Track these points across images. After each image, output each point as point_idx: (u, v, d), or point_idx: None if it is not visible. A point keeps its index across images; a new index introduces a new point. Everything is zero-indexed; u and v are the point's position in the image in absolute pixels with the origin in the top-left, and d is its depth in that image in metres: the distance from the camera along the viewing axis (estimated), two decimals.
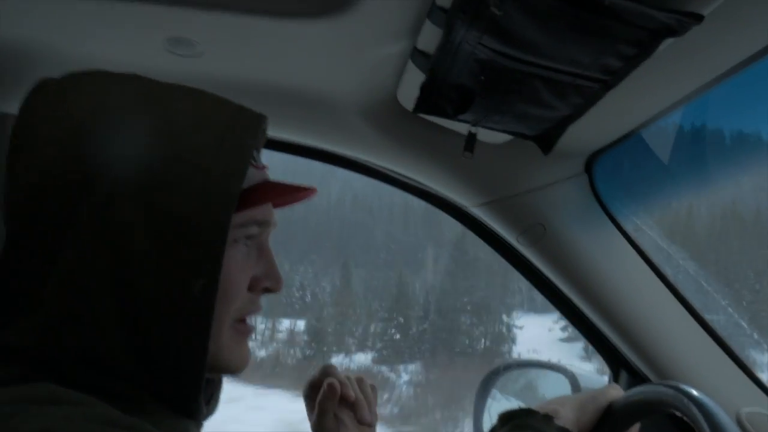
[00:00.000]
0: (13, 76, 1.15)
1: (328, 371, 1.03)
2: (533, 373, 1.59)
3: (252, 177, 0.74)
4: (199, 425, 0.75)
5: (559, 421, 0.90)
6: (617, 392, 0.99)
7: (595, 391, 1.00)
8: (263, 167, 0.79)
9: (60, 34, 1.07)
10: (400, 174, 1.42)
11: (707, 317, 1.41)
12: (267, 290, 0.78)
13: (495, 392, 1.53)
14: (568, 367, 1.41)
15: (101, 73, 0.72)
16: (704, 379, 1.34)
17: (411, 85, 1.09)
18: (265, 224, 0.77)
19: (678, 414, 0.84)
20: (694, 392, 0.83)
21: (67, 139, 0.65)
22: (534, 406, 0.95)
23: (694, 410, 0.80)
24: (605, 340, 1.47)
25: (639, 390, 0.94)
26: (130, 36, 1.07)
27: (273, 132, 1.33)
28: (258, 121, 0.73)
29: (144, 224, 0.64)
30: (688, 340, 1.39)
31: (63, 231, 0.64)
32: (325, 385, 1.00)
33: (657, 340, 1.39)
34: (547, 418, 0.88)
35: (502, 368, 1.52)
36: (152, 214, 0.64)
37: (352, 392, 1.01)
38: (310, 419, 1.02)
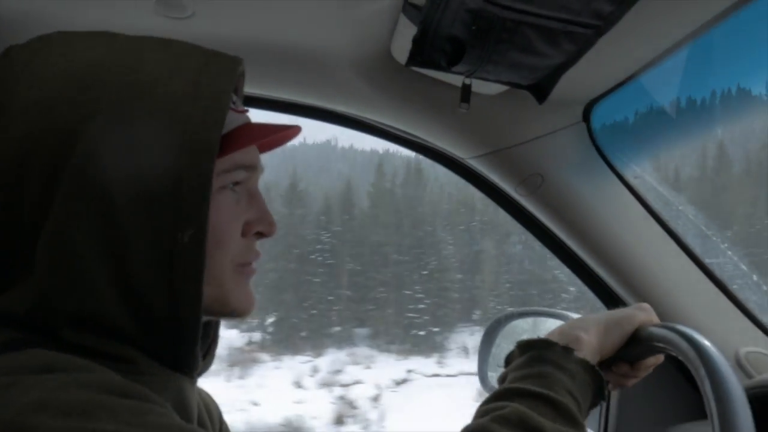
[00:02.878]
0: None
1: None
2: (535, 321, 1.60)
3: (232, 121, 0.73)
4: (194, 382, 0.76)
5: (581, 351, 0.84)
6: (646, 315, 0.92)
7: (623, 312, 0.92)
8: (244, 111, 0.78)
9: None
10: (395, 128, 1.42)
11: (707, 261, 1.41)
12: (260, 234, 0.78)
13: (499, 341, 1.55)
14: (568, 313, 1.43)
15: (69, 33, 0.71)
16: (703, 321, 1.36)
17: (404, 38, 1.08)
18: (251, 168, 0.76)
19: (675, 354, 0.84)
20: (694, 335, 0.82)
21: (42, 101, 0.65)
22: (558, 328, 0.90)
23: (691, 351, 0.80)
24: (605, 286, 1.48)
25: (662, 325, 0.89)
26: None
27: (267, 91, 1.34)
28: (233, 63, 0.72)
29: (126, 179, 0.64)
30: (687, 284, 1.40)
31: (48, 193, 0.64)
32: None
33: (657, 284, 1.40)
34: (567, 350, 0.83)
35: (504, 318, 1.54)
36: (133, 167, 0.64)
37: None
38: None
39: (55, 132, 0.64)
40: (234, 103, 0.76)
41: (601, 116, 1.37)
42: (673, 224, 1.41)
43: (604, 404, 1.24)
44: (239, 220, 0.75)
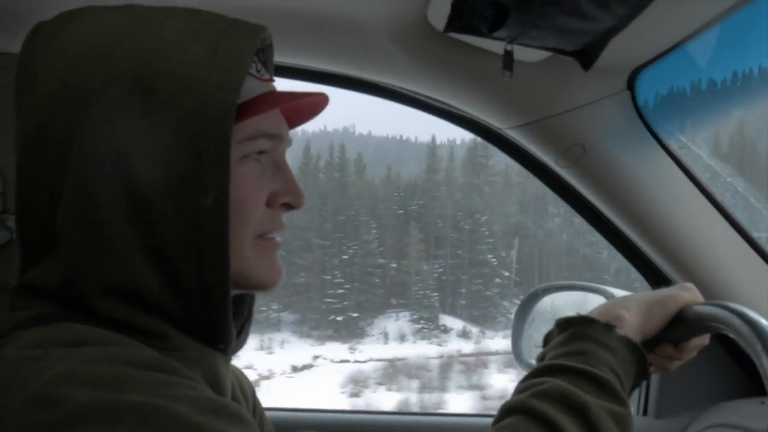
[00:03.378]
0: (14, 16, 1.12)
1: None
2: (573, 295, 1.57)
3: (255, 88, 0.73)
4: (228, 359, 0.76)
5: (622, 330, 0.82)
6: (690, 295, 0.89)
7: (667, 291, 0.89)
8: (269, 80, 0.78)
9: None
10: (431, 98, 1.38)
11: (755, 234, 1.37)
12: (288, 206, 0.77)
13: (534, 316, 1.52)
14: (609, 288, 1.39)
15: (92, 7, 0.72)
16: (752, 297, 1.32)
17: (442, 3, 1.04)
18: (276, 138, 0.76)
19: (727, 332, 0.81)
20: (748, 312, 0.79)
21: (64, 70, 0.66)
22: (599, 307, 0.87)
23: (744, 327, 0.77)
24: (648, 260, 1.44)
25: (709, 303, 0.86)
26: None
27: (299, 60, 1.31)
28: (254, 29, 0.71)
29: (144, 143, 0.64)
30: (734, 258, 1.36)
31: (64, 159, 0.65)
32: None
33: (703, 259, 1.36)
34: (608, 327, 0.81)
35: (541, 291, 1.51)
36: (151, 131, 0.64)
37: None
38: None
39: (73, 100, 0.65)
40: (259, 71, 0.75)
41: (646, 85, 1.31)
42: (720, 197, 1.36)
43: (645, 382, 1.22)
44: (264, 190, 0.74)
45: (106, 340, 0.61)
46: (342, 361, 17.89)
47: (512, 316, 1.50)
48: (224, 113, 0.65)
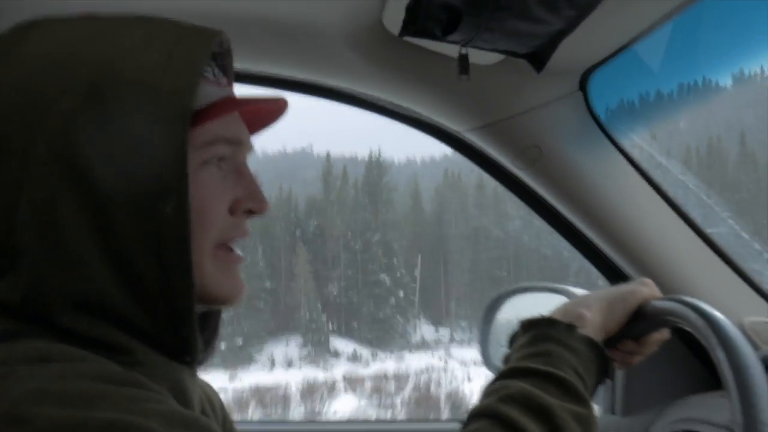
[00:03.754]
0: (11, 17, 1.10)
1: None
2: (537, 296, 1.59)
3: (212, 93, 0.73)
4: (194, 372, 0.75)
5: (584, 329, 0.83)
6: (649, 290, 0.90)
7: (625, 287, 0.91)
8: (227, 84, 0.78)
9: None
10: (388, 102, 1.39)
11: (708, 230, 1.40)
12: (251, 212, 0.77)
13: (500, 318, 1.54)
14: (572, 288, 1.41)
15: (49, 18, 0.72)
16: (706, 291, 1.34)
17: (396, 7, 1.05)
18: (236, 143, 0.75)
19: (683, 326, 0.82)
20: (703, 306, 0.80)
21: (22, 80, 0.66)
22: (561, 307, 0.88)
23: (700, 321, 0.78)
24: (605, 258, 1.46)
25: (666, 298, 0.87)
26: None
27: (254, 65, 1.30)
28: (209, 34, 0.71)
29: (102, 151, 0.64)
30: (688, 253, 1.39)
31: (24, 171, 0.64)
32: None
33: (658, 254, 1.38)
34: (570, 327, 0.82)
35: (506, 293, 1.52)
36: (108, 139, 0.64)
37: None
38: None
39: (31, 110, 0.64)
40: (216, 76, 0.75)
41: (597, 86, 1.34)
42: (673, 194, 1.39)
43: (610, 381, 1.24)
44: (226, 197, 0.74)
45: (71, 356, 0.60)
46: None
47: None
48: (180, 118, 0.65)
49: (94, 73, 0.65)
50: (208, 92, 0.72)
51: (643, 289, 0.90)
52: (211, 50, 0.71)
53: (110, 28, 0.69)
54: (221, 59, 0.78)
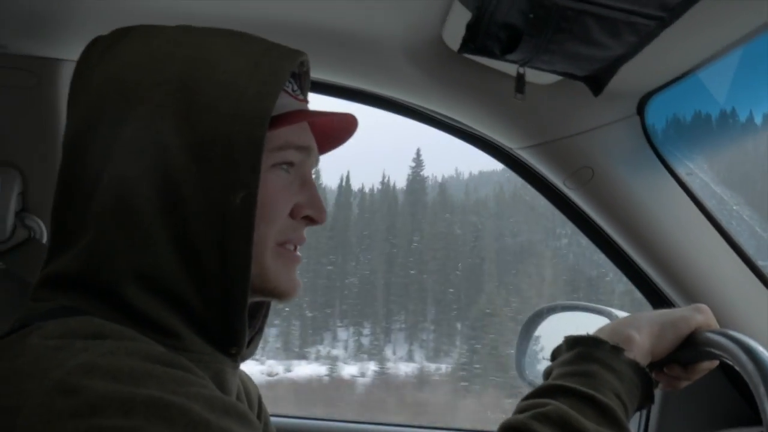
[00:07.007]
0: (41, 21, 1.17)
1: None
2: (578, 316, 1.57)
3: (289, 104, 0.78)
4: (235, 366, 0.77)
5: (631, 352, 0.81)
6: (704, 318, 0.87)
7: (678, 312, 0.88)
8: (304, 100, 0.83)
9: None
10: (444, 116, 1.40)
11: (760, 263, 1.37)
12: (309, 219, 0.80)
13: (538, 336, 1.53)
14: (614, 310, 1.40)
15: (146, 26, 0.77)
16: (756, 326, 1.32)
17: (457, 24, 1.06)
18: (305, 151, 0.79)
19: (736, 367, 0.79)
20: (756, 348, 0.77)
21: (117, 73, 0.72)
22: (609, 326, 0.86)
23: (750, 365, 0.76)
24: (652, 285, 1.45)
25: (720, 332, 0.84)
26: None
27: (320, 75, 1.33)
28: (293, 52, 0.77)
29: (183, 141, 0.69)
30: (739, 286, 1.36)
31: (108, 151, 0.70)
32: None
33: (706, 283, 1.36)
34: (617, 350, 0.80)
35: (546, 310, 1.51)
36: (191, 132, 0.69)
37: None
38: None
39: (123, 96, 0.70)
40: (294, 91, 0.80)
41: (655, 111, 1.33)
42: (726, 224, 1.37)
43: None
44: (289, 200, 0.78)
45: (122, 334, 0.64)
46: None
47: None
48: (259, 119, 0.70)
49: (185, 70, 0.71)
50: (286, 102, 0.77)
51: (697, 316, 0.88)
52: (294, 66, 0.76)
53: (202, 37, 0.75)
54: (300, 79, 0.83)
